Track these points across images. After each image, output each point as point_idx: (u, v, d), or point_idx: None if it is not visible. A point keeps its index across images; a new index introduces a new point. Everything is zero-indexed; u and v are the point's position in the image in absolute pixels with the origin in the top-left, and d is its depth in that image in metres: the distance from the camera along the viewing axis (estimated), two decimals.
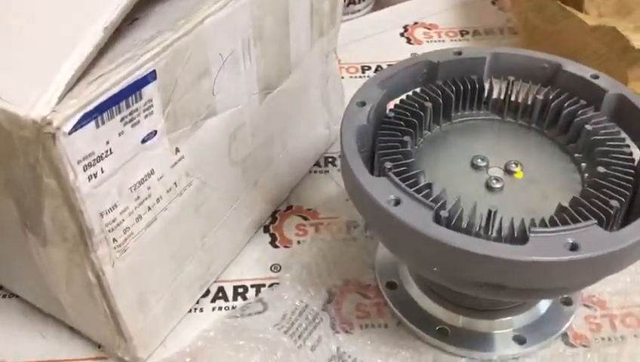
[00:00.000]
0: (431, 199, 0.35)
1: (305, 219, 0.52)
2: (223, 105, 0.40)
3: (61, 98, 0.30)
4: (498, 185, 0.39)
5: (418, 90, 0.44)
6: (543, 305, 0.44)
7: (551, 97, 0.42)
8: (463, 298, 0.42)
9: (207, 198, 0.42)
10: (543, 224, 0.35)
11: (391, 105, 0.43)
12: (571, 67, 0.43)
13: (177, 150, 0.37)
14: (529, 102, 0.43)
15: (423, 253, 0.35)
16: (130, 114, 0.33)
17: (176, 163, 0.38)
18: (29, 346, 0.44)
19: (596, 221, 0.34)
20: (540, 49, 0.45)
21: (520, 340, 0.42)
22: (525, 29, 0.65)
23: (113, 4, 0.31)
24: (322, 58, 0.51)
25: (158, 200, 0.37)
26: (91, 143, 0.31)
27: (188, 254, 0.43)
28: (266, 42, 0.42)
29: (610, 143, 0.39)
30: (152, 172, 0.36)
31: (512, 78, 0.44)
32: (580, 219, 0.34)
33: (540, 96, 0.43)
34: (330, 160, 0.57)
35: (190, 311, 0.46)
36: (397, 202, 0.35)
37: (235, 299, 0.46)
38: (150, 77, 0.33)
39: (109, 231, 0.35)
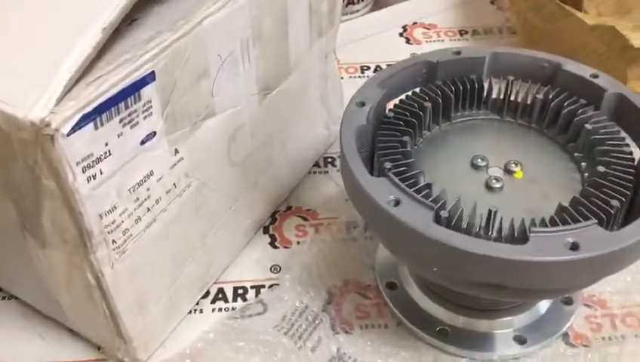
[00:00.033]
0: (431, 199, 0.35)
1: (304, 219, 0.52)
2: (222, 106, 0.40)
3: (59, 99, 0.29)
4: (498, 185, 0.39)
5: (417, 90, 0.44)
6: (544, 304, 0.44)
7: (550, 97, 0.42)
8: (464, 298, 0.42)
9: (207, 199, 0.42)
10: (543, 224, 0.35)
11: (390, 105, 0.43)
12: (571, 66, 0.43)
13: (176, 151, 0.37)
14: (529, 102, 0.43)
15: (423, 254, 0.35)
16: (129, 115, 0.33)
17: (175, 164, 0.38)
18: (28, 348, 0.44)
19: (596, 221, 0.34)
20: (539, 48, 0.45)
21: (520, 340, 0.42)
22: (524, 29, 0.65)
23: (112, 4, 0.31)
24: (321, 58, 0.51)
25: (157, 201, 0.37)
26: (90, 145, 0.31)
27: (187, 255, 0.43)
28: (264, 43, 0.42)
29: (610, 142, 0.39)
30: (152, 173, 0.36)
31: (511, 78, 0.44)
32: (581, 218, 0.34)
33: (540, 96, 0.43)
34: (329, 160, 0.57)
35: (190, 312, 0.45)
36: (397, 202, 0.35)
37: (234, 300, 0.46)
38: (149, 78, 0.33)
39: (109, 232, 0.34)
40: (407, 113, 0.41)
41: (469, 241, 0.33)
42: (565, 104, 0.42)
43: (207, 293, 0.47)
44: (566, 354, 0.42)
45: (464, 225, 0.35)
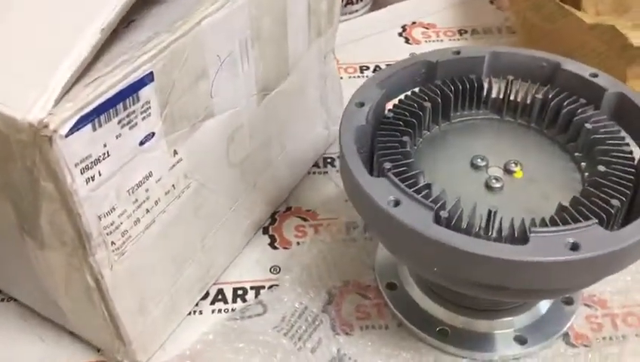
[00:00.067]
0: (431, 200, 0.35)
1: (304, 220, 0.52)
2: (220, 107, 0.40)
3: (58, 101, 0.29)
4: (498, 185, 0.38)
5: (417, 90, 0.44)
6: (544, 304, 0.44)
7: (550, 96, 0.42)
8: (464, 298, 0.42)
9: (206, 200, 0.42)
10: (543, 224, 0.35)
11: (390, 105, 0.43)
12: (570, 66, 0.43)
13: (175, 152, 0.37)
14: (528, 102, 0.43)
15: (423, 254, 0.35)
16: (128, 116, 0.33)
17: (174, 165, 0.38)
18: (28, 350, 0.43)
19: (597, 220, 0.34)
20: (538, 47, 0.45)
21: (521, 340, 0.42)
22: (523, 28, 0.65)
23: (110, 5, 0.31)
24: (320, 58, 0.51)
25: (156, 202, 0.37)
26: (88, 146, 0.31)
27: (187, 257, 0.43)
28: (263, 43, 0.42)
29: (610, 142, 0.39)
30: (150, 174, 0.36)
31: (510, 77, 0.43)
32: (581, 218, 0.34)
33: (539, 95, 0.42)
34: (329, 160, 0.57)
35: (189, 313, 0.45)
36: (396, 203, 0.35)
37: (234, 301, 0.46)
38: (147, 79, 0.33)
39: (107, 234, 0.34)
40: (406, 113, 0.41)
41: (469, 242, 0.33)
42: (565, 103, 0.42)
43: (207, 294, 0.47)
44: (567, 354, 0.42)
45: (464, 225, 0.35)
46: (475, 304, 0.43)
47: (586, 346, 0.43)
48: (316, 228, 0.51)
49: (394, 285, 0.46)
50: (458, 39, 0.71)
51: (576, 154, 0.41)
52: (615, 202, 0.35)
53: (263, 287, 0.47)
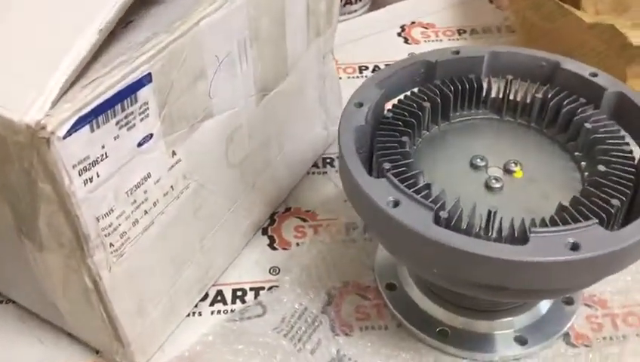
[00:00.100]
0: (430, 200, 0.35)
1: (303, 220, 0.52)
2: (219, 107, 0.40)
3: (55, 102, 0.29)
4: (498, 185, 0.38)
5: (416, 90, 0.44)
6: (544, 305, 0.44)
7: (550, 96, 0.42)
8: (464, 299, 0.41)
9: (205, 201, 0.42)
10: (543, 224, 0.35)
11: (389, 105, 0.43)
12: (570, 65, 0.43)
13: (174, 153, 0.37)
14: (528, 101, 0.43)
15: (423, 255, 0.35)
16: (126, 117, 0.32)
17: (172, 166, 0.37)
18: (26, 352, 0.43)
19: (597, 220, 0.34)
20: (537, 47, 0.45)
21: (521, 341, 0.42)
22: (523, 27, 0.65)
23: (108, 6, 0.31)
24: (319, 58, 0.51)
25: (155, 203, 0.37)
26: (86, 147, 0.31)
27: (186, 258, 0.42)
28: (262, 43, 0.42)
29: (610, 141, 0.39)
30: (149, 175, 0.36)
31: (510, 77, 0.43)
32: (581, 218, 0.34)
33: (539, 95, 0.42)
34: (328, 161, 0.57)
35: (189, 315, 0.45)
36: (396, 203, 0.35)
37: (233, 302, 0.46)
38: (145, 80, 0.33)
39: (106, 235, 0.34)
40: (405, 113, 0.41)
41: (468, 242, 0.33)
42: (565, 103, 0.42)
43: (206, 296, 0.46)
44: (567, 354, 0.42)
45: (464, 225, 0.35)
46: (475, 304, 0.43)
47: (586, 346, 0.43)
48: (315, 229, 0.51)
49: (393, 286, 0.46)
50: (457, 39, 0.71)
51: (576, 153, 0.41)
52: (615, 202, 0.35)
53: (263, 288, 0.47)
